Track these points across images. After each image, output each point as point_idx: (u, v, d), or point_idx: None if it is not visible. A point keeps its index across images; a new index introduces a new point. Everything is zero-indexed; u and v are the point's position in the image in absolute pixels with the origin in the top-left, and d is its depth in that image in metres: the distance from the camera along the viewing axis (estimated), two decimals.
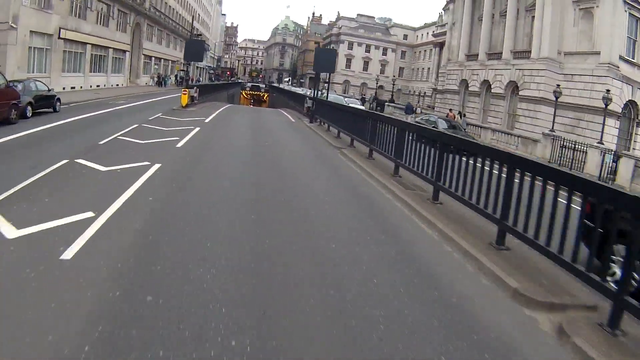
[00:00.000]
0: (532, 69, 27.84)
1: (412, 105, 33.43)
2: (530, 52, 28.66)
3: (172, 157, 9.65)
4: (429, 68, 78.00)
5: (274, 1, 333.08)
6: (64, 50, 25.79)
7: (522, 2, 31.75)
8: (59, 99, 16.82)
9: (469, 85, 33.76)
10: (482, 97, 32.52)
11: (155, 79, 43.71)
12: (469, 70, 33.97)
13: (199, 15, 65.36)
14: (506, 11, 32.56)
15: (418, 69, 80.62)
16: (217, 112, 22.81)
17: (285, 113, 28.66)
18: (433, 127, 18.74)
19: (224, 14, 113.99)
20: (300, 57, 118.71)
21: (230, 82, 68.34)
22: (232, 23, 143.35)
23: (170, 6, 49.24)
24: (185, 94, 21.95)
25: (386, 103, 42.19)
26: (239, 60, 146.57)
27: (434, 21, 79.90)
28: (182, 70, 57.13)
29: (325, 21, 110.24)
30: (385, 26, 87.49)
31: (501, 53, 31.24)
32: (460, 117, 26.55)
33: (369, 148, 11.63)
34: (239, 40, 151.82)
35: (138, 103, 23.64)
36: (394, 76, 69.15)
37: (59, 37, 24.74)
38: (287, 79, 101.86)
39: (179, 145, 11.33)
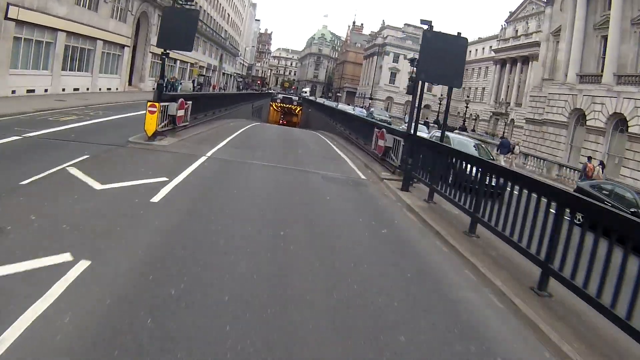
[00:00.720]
0: None
1: (508, 141, 23.66)
2: None
3: None
4: (483, 88, 68.71)
5: (311, 10, 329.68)
6: (16, 36, 17.76)
7: None
8: None
9: (587, 117, 23.97)
10: (607, 136, 22.71)
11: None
12: (586, 97, 24.22)
13: (228, 14, 57.67)
14: None
15: (471, 87, 71.04)
16: (214, 150, 12.03)
17: (336, 149, 17.73)
18: (634, 212, 9.30)
19: (258, 20, 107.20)
20: (338, 69, 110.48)
21: (258, 92, 60.10)
22: (266, 30, 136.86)
23: None
24: (153, 112, 11.05)
25: (455, 131, 32.58)
26: (271, 70, 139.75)
27: (490, 35, 70.97)
28: (202, 75, 49.32)
29: (366, 31, 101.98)
30: None
31: None
32: (602, 170, 17.02)
33: None
34: (272, 48, 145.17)
35: (96, 121, 14.71)
36: (467, 97, 59.84)
37: (7, 18, 16.74)
38: (305, 89, 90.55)
39: None
